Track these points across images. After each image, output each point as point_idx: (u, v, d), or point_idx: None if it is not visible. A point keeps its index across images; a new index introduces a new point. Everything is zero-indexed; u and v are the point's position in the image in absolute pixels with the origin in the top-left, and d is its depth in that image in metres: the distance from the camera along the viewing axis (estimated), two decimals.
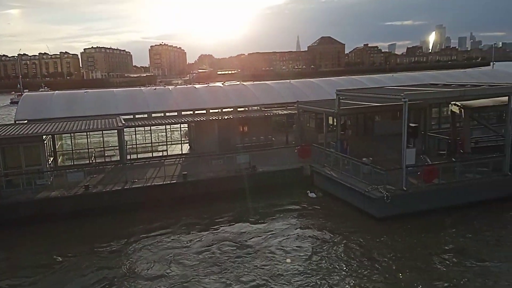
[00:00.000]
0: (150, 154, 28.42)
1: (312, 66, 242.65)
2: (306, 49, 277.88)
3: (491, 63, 76.58)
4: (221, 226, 18.62)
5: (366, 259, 14.95)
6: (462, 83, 27.22)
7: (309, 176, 23.72)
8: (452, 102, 22.74)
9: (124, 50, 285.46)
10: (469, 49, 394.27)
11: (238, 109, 31.26)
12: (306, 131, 29.06)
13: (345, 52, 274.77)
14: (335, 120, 25.44)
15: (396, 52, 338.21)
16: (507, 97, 20.20)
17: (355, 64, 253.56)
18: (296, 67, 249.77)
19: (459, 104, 21.86)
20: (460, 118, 22.86)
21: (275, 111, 30.62)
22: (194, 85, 42.42)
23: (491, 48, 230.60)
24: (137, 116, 29.24)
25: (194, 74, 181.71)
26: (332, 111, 24.71)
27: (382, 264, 14.52)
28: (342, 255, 15.44)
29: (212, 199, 21.21)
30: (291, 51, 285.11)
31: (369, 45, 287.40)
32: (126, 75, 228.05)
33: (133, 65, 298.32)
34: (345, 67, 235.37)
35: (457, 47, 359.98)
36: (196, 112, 30.50)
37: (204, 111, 30.25)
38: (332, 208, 20.40)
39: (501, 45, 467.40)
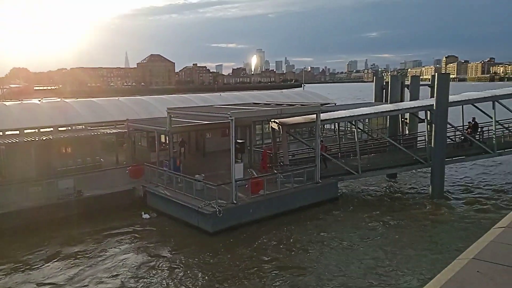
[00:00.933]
0: None
1: (143, 84, 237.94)
2: (136, 66, 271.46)
3: (303, 85, 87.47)
4: (35, 265, 16.34)
5: (200, 273, 15.26)
6: (280, 102, 30.48)
7: (142, 196, 23.07)
8: (272, 120, 25.20)
9: None
10: (284, 72, 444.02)
11: (59, 129, 28.45)
12: (137, 150, 28.24)
13: (176, 71, 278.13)
14: (167, 138, 25.44)
15: (223, 73, 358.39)
16: (315, 115, 23.41)
17: (185, 83, 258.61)
18: (125, 83, 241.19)
19: (278, 122, 24.36)
20: (279, 134, 25.47)
21: (102, 130, 28.90)
22: (4, 102, 36.98)
23: (302, 71, 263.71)
24: None
25: (5, 90, 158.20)
26: (164, 129, 24.66)
27: (216, 275, 15.02)
28: (175, 272, 15.41)
29: (28, 232, 18.71)
30: (120, 67, 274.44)
31: (198, 65, 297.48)
32: None
33: None
34: (176, 85, 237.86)
35: (274, 70, 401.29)
36: (7, 133, 26.63)
37: (18, 132, 26.63)
38: (167, 227, 20.23)
39: (309, 69, 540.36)
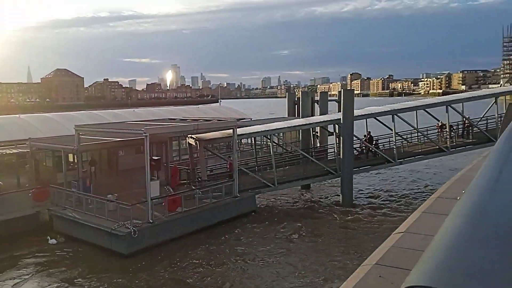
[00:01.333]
0: None
1: (48, 100, 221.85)
2: (40, 81, 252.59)
3: (219, 100, 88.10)
4: None
5: None
6: (196, 118, 30.33)
7: (48, 221, 21.32)
8: (188, 135, 24.96)
9: None
10: (201, 87, 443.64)
11: None
12: (42, 171, 26.11)
13: (85, 86, 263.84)
14: (75, 157, 23.90)
15: (137, 88, 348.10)
16: (232, 130, 23.67)
17: (95, 99, 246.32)
18: (28, 100, 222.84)
19: (194, 137, 24.19)
20: (196, 149, 25.28)
21: (1, 151, 26.33)
22: None
23: (218, 87, 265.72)
24: None
25: None
26: (72, 147, 23.16)
27: None
28: None
29: None
30: (21, 83, 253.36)
31: (109, 80, 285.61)
32: None
33: None
34: (85, 101, 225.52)
35: (190, 85, 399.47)
36: None
37: None
38: (77, 252, 18.88)
39: (225, 85, 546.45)
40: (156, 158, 22.35)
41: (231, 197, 22.99)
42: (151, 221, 18.87)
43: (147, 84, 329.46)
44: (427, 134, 30.52)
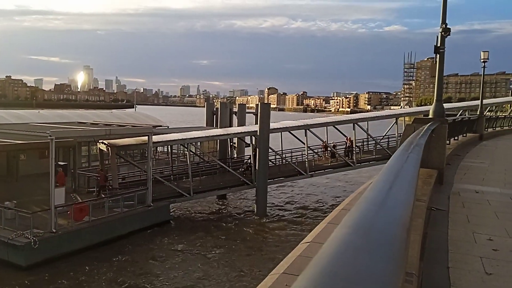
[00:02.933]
0: None
1: None
2: None
3: (134, 106, 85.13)
4: None
5: None
6: (109, 122, 29.06)
7: None
8: (100, 141, 23.79)
9: None
10: (115, 91, 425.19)
11: None
12: None
13: None
14: None
15: (44, 88, 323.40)
16: (147, 137, 23.04)
17: None
18: None
19: (106, 143, 23.14)
20: (108, 156, 24.16)
21: None
22: None
23: (134, 92, 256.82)
24: None
25: None
26: None
27: None
28: None
29: None
30: None
31: (12, 78, 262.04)
32: None
33: None
34: None
35: (104, 89, 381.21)
36: None
37: None
38: None
39: (142, 90, 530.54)
40: (62, 163, 20.94)
41: (144, 206, 22.29)
42: (54, 230, 17.58)
43: (56, 85, 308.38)
44: (336, 149, 32.46)
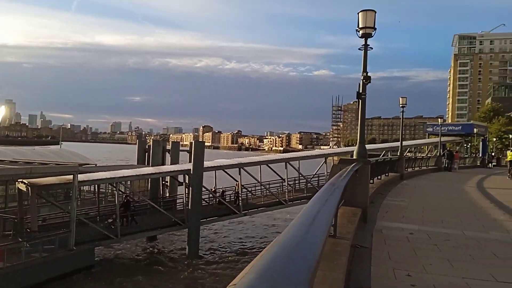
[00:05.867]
0: None
1: None
2: None
3: (60, 142, 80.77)
4: None
5: None
6: (30, 160, 27.21)
7: None
8: (19, 180, 22.10)
9: None
10: (39, 127, 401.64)
11: None
12: None
13: None
14: None
15: None
16: (72, 176, 21.82)
17: None
18: None
19: (26, 182, 21.56)
20: (27, 196, 22.44)
21: None
22: None
23: (59, 128, 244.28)
24: None
25: None
26: None
27: None
28: None
29: None
30: None
31: None
32: None
33: None
34: None
35: (27, 124, 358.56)
36: None
37: None
38: None
39: (69, 126, 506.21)
40: None
41: (65, 250, 20.76)
42: None
43: None
44: (269, 187, 32.92)
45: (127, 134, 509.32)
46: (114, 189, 25.33)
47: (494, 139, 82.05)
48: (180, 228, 26.56)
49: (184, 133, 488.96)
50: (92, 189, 31.29)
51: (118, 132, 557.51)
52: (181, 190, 30.71)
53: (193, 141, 30.78)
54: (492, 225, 10.35)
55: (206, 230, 31.04)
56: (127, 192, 30.28)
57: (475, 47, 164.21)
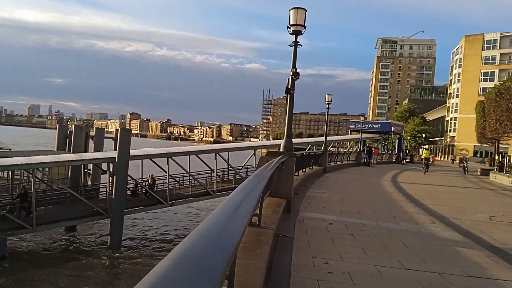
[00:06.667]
0: None
1: None
2: None
3: None
4: None
5: None
6: None
7: None
8: None
9: None
10: None
11: None
12: None
13: None
14: None
15: None
16: None
17: None
18: None
19: None
20: None
21: None
22: None
23: None
24: None
25: None
26: None
27: None
28: None
29: None
30: None
31: None
32: None
33: None
34: None
35: None
36: None
37: None
38: None
39: None
40: None
41: None
42: None
43: None
44: (198, 178, 32.71)
45: (47, 118, 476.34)
46: (31, 176, 23.68)
47: (409, 138, 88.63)
48: (102, 218, 25.52)
49: (110, 120, 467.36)
50: (5, 175, 28.95)
51: (37, 115, 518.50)
52: (105, 179, 29.48)
53: (119, 128, 29.62)
54: (403, 216, 11.25)
55: (130, 219, 30.16)
56: (45, 179, 28.44)
57: (396, 50, 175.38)
